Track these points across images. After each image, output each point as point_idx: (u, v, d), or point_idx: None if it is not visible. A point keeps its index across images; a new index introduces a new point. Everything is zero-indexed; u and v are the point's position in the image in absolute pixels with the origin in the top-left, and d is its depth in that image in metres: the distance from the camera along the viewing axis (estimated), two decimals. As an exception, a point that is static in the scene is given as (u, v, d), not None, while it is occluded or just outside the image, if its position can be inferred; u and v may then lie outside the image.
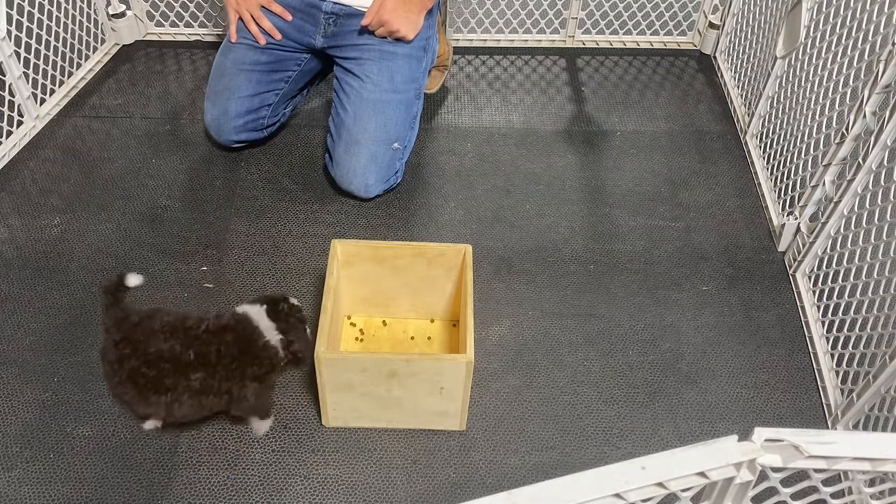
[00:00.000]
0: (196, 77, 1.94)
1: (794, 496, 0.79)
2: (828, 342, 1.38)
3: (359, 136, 1.56)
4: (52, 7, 1.77)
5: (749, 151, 1.78)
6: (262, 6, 1.59)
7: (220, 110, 1.63)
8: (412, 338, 1.39)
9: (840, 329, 1.35)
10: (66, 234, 1.55)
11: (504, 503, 0.60)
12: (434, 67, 1.78)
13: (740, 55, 1.90)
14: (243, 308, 1.19)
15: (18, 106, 1.70)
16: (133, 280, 1.18)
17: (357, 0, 1.56)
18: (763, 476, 0.70)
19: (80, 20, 1.87)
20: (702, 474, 0.65)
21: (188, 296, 1.45)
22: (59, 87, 1.84)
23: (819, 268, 1.46)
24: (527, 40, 2.08)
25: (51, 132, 1.77)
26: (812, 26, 1.51)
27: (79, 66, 1.90)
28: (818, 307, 1.44)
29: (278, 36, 1.61)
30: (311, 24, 1.60)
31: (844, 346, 1.32)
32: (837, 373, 1.33)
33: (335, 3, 1.57)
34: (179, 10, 2.02)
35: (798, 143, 1.56)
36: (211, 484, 1.19)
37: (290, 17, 1.58)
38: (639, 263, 1.55)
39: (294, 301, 1.23)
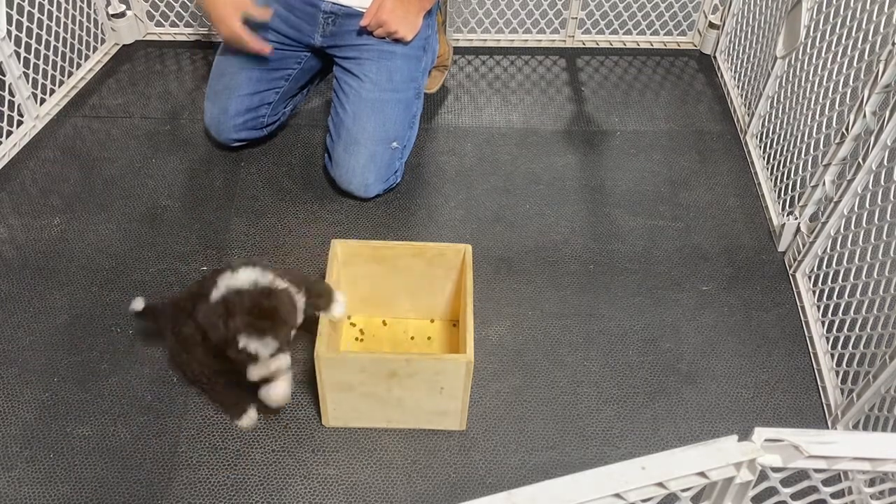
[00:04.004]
0: (196, 77, 1.94)
1: (794, 496, 0.79)
2: (828, 342, 1.38)
3: (358, 135, 1.56)
4: (52, 7, 1.77)
5: (749, 151, 1.78)
6: (244, 21, 1.50)
7: (220, 109, 1.63)
8: (412, 338, 1.39)
9: (840, 329, 1.35)
10: (66, 234, 1.55)
11: (504, 503, 0.60)
12: (434, 67, 1.78)
13: (740, 55, 1.90)
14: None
15: (18, 106, 1.70)
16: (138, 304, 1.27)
17: (356, 0, 1.56)
18: (763, 476, 0.70)
19: (80, 20, 1.87)
20: (702, 474, 0.65)
21: (188, 296, 1.45)
22: (59, 87, 1.84)
23: (819, 268, 1.46)
24: (527, 40, 2.07)
25: (51, 132, 1.77)
26: (812, 26, 1.51)
27: (79, 66, 1.90)
28: (818, 307, 1.44)
29: (269, 51, 1.56)
30: (309, 24, 1.60)
31: (844, 346, 1.32)
32: (837, 373, 1.33)
33: (334, 3, 1.57)
34: (179, 10, 2.02)
35: (798, 143, 1.56)
36: (211, 484, 1.19)
37: (268, 17, 1.54)
38: (639, 263, 1.55)
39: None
